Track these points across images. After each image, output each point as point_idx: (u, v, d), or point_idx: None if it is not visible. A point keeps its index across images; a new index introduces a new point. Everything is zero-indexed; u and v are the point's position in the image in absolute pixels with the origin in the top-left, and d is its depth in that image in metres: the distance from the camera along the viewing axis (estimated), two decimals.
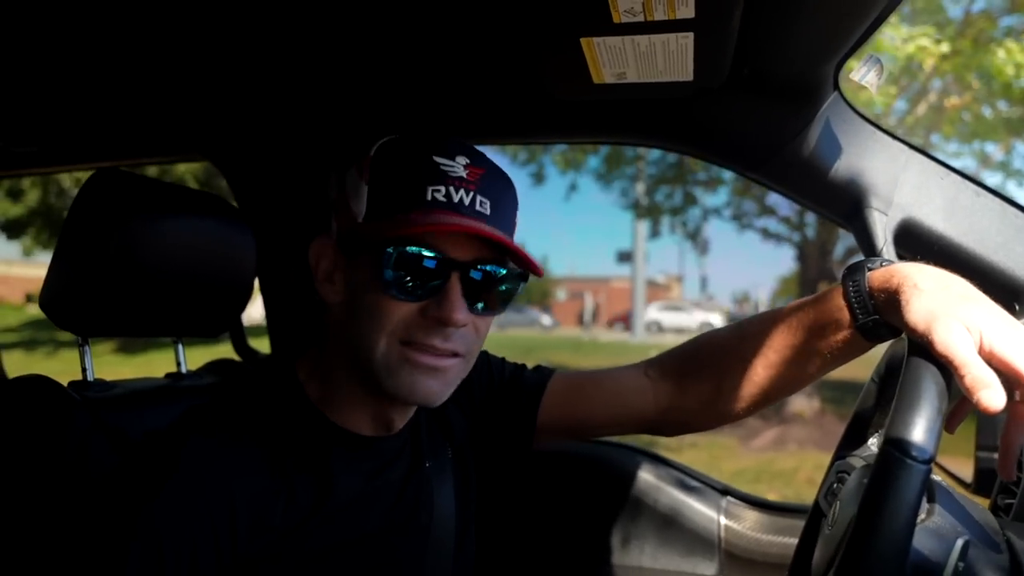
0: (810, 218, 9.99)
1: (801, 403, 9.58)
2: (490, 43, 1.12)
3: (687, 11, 0.84)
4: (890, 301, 0.87)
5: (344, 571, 0.93)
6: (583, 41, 0.93)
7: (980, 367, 0.73)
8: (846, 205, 1.17)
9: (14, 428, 1.01)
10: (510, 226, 0.95)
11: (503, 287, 0.94)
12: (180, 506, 0.81)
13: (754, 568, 1.55)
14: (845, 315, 0.94)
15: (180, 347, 1.32)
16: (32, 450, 0.99)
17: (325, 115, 1.47)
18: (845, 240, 9.72)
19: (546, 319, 36.71)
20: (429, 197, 0.87)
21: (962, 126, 7.15)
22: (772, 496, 1.67)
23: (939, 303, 0.80)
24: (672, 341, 1.22)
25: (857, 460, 1.02)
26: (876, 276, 0.92)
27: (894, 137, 1.16)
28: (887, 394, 1.07)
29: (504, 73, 1.23)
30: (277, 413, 0.93)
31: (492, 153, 0.98)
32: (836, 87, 1.12)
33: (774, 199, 10.00)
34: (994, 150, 7.87)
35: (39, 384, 1.04)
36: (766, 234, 10.74)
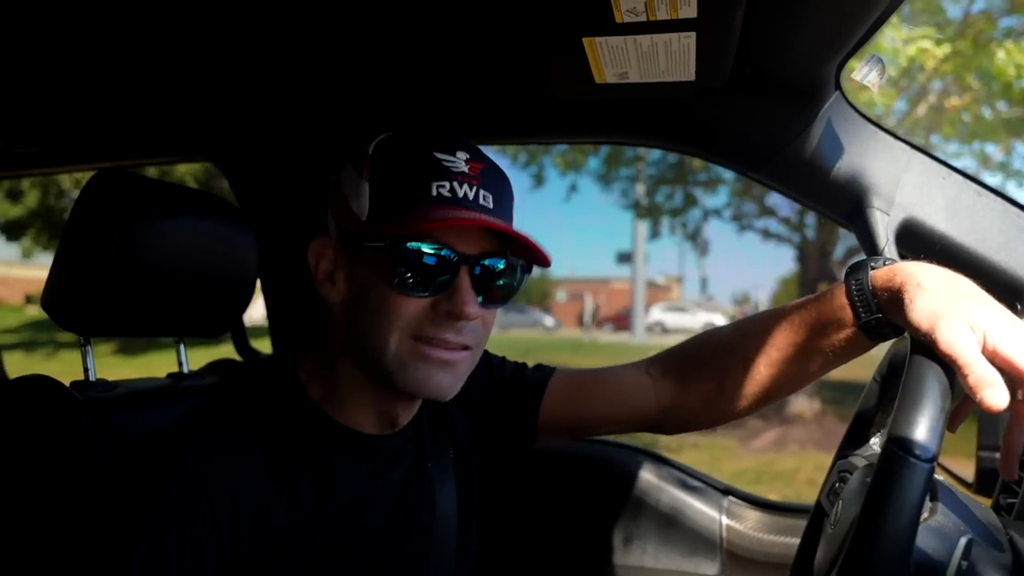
0: (810, 219, 10.00)
1: (802, 404, 9.58)
2: (492, 43, 1.12)
3: (689, 11, 0.84)
4: (893, 300, 0.87)
5: (346, 571, 0.93)
6: (585, 41, 0.93)
7: (983, 366, 0.73)
8: (848, 205, 1.17)
9: (17, 428, 1.01)
10: (510, 219, 0.96)
11: (508, 279, 0.95)
12: (182, 505, 0.81)
13: (756, 568, 1.55)
14: (847, 314, 0.94)
15: (182, 347, 1.32)
16: (35, 450, 0.99)
17: (327, 115, 1.47)
18: (845, 241, 9.73)
19: (549, 320, 36.61)
20: (434, 193, 0.87)
21: (962, 127, 7.15)
22: (773, 497, 1.67)
23: (942, 302, 0.80)
24: (675, 342, 1.22)
25: (859, 459, 1.02)
26: (879, 275, 0.92)
27: (896, 137, 1.16)
28: (889, 393, 1.07)
29: (506, 73, 1.23)
30: (278, 413, 0.93)
31: (492, 154, 0.99)
32: (838, 87, 1.12)
33: (774, 200, 10.02)
34: (994, 151, 7.88)
35: (42, 384, 1.04)
36: (766, 235, 10.75)
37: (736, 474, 6.49)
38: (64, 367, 1.08)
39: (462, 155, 0.91)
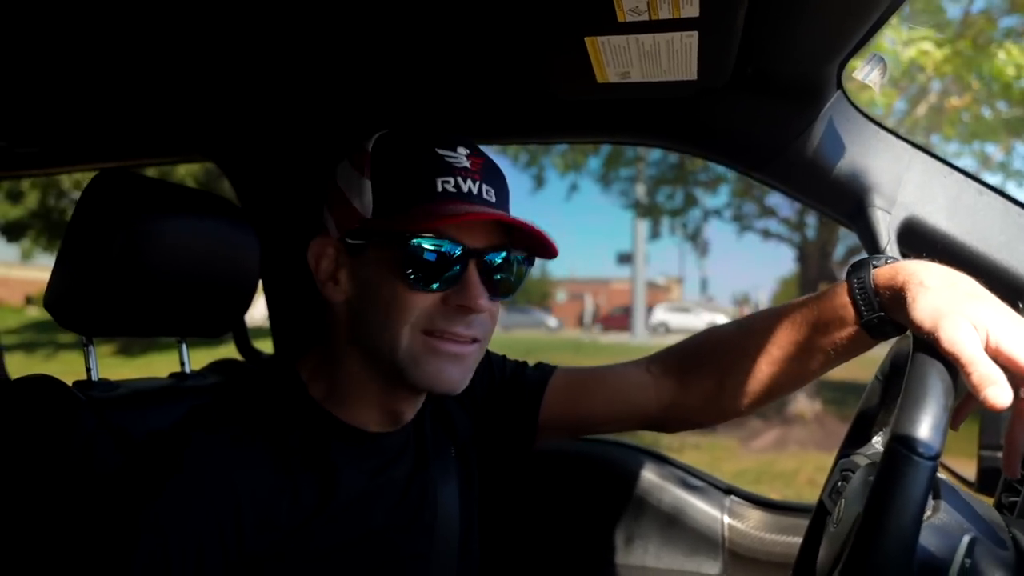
0: (810, 219, 9.99)
1: (802, 404, 9.58)
2: (494, 43, 1.13)
3: (691, 10, 0.84)
4: (895, 298, 0.88)
5: (349, 570, 0.93)
6: (587, 40, 0.93)
7: (987, 364, 0.73)
8: (850, 204, 1.17)
9: (20, 428, 1.01)
10: (508, 212, 0.97)
11: (513, 272, 0.96)
12: (184, 504, 0.81)
13: (758, 567, 1.55)
14: (850, 312, 0.94)
15: (184, 347, 1.32)
16: (38, 450, 0.99)
17: (328, 115, 1.47)
18: (846, 241, 9.73)
19: (552, 321, 36.55)
20: (440, 188, 0.88)
21: (962, 127, 7.15)
22: (773, 497, 1.67)
23: (945, 300, 0.80)
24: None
25: (861, 458, 1.02)
26: (881, 273, 0.92)
27: (897, 136, 1.16)
28: (891, 392, 1.07)
29: (508, 73, 1.23)
30: (280, 411, 0.93)
31: (492, 154, 0.99)
32: (839, 86, 1.12)
33: (774, 200, 10.02)
34: (994, 151, 7.88)
35: (44, 384, 1.04)
36: (766, 235, 10.75)
37: (736, 474, 6.49)
38: (64, 368, 1.08)
39: (463, 150, 0.92)
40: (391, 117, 1.43)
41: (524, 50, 1.10)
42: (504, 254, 0.93)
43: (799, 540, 1.15)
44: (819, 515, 1.09)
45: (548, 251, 0.95)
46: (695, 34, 0.90)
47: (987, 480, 1.03)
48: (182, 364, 1.33)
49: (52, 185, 14.36)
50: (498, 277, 0.94)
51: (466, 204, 0.89)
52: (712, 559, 1.58)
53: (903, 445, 0.68)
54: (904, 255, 1.11)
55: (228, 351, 1.79)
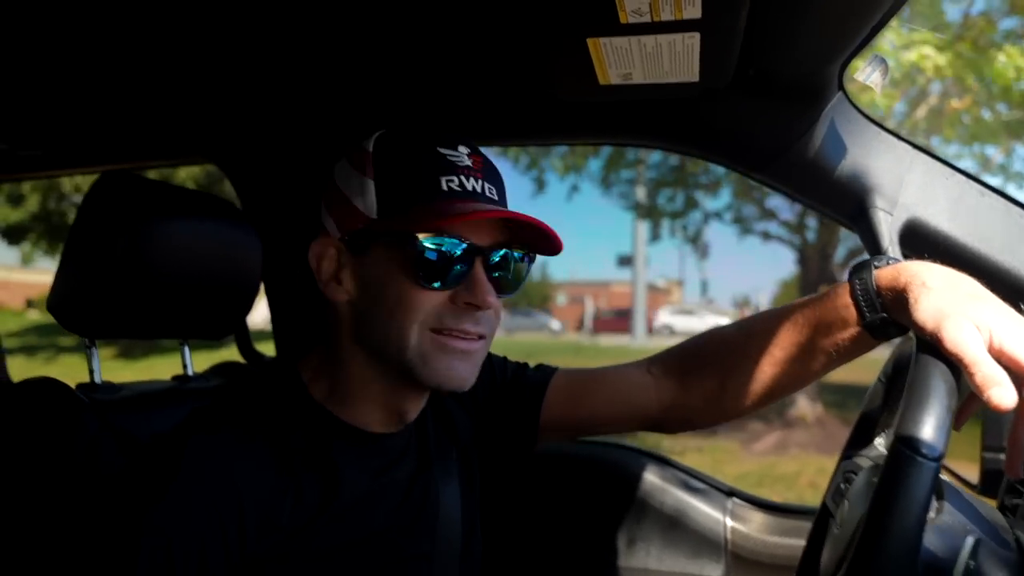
0: (811, 221, 9.99)
1: (803, 407, 9.58)
2: (496, 44, 1.13)
3: (694, 11, 0.84)
4: (898, 299, 0.88)
5: (351, 570, 0.92)
6: (590, 42, 0.93)
7: (990, 365, 0.73)
8: (851, 205, 1.17)
9: (24, 430, 1.01)
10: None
11: (517, 268, 0.97)
12: (187, 506, 0.81)
13: (761, 570, 1.55)
14: (852, 313, 0.94)
15: (186, 349, 1.32)
16: (41, 452, 0.99)
17: (330, 117, 1.47)
18: (846, 243, 9.73)
19: (555, 324, 36.48)
20: (445, 187, 0.89)
21: (962, 129, 7.15)
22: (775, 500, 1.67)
23: (948, 301, 0.80)
24: None
25: (864, 460, 1.02)
26: (883, 274, 0.92)
27: (899, 137, 1.16)
28: (894, 394, 1.07)
29: (509, 74, 1.23)
30: (281, 412, 0.93)
31: (493, 157, 1.00)
32: (841, 87, 1.13)
33: (775, 202, 10.02)
34: (994, 153, 7.88)
35: (48, 386, 1.04)
36: (767, 237, 10.75)
37: (738, 477, 6.49)
38: (65, 371, 1.09)
39: (464, 149, 0.93)
40: (393, 119, 1.43)
41: (526, 51, 1.10)
42: (508, 251, 0.94)
43: (802, 542, 1.14)
44: (822, 517, 1.09)
45: (552, 246, 0.96)
46: (697, 35, 0.90)
47: (990, 482, 1.03)
48: (184, 367, 1.33)
49: (53, 188, 14.36)
50: (502, 274, 0.94)
51: (471, 202, 0.89)
52: (715, 561, 1.58)
53: (907, 446, 0.69)
54: (906, 256, 1.11)
55: (229, 354, 1.79)
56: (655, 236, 13.08)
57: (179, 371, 1.35)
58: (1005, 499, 1.03)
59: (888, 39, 5.77)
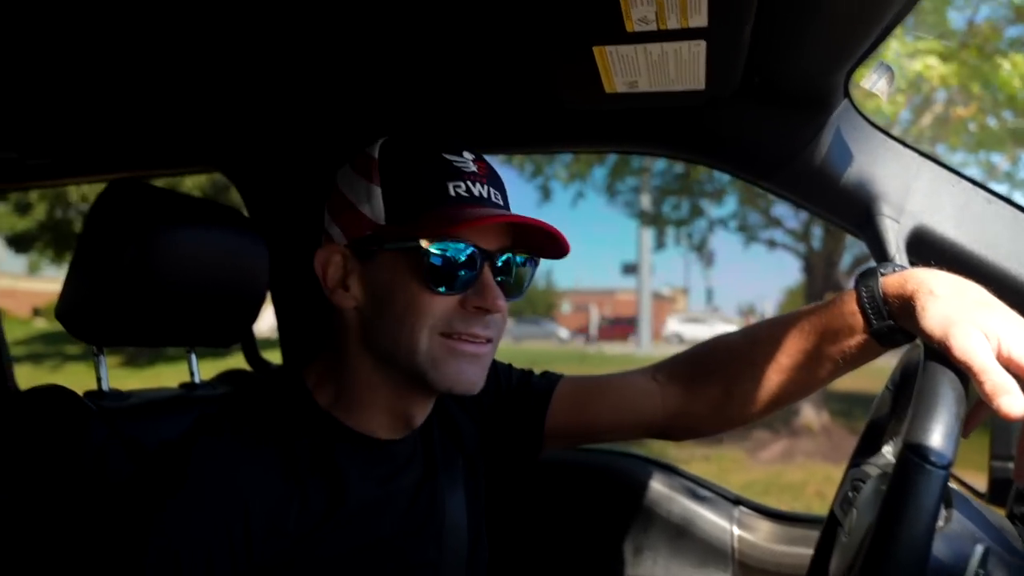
0: (816, 230, 9.97)
1: (809, 415, 9.54)
2: (502, 52, 1.13)
3: (700, 20, 0.84)
4: (905, 307, 0.87)
5: None
6: (596, 50, 0.94)
7: (999, 373, 0.73)
8: (858, 213, 1.17)
9: (32, 438, 1.01)
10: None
11: (522, 272, 0.98)
12: (193, 511, 0.81)
13: None
14: (859, 320, 0.94)
15: (193, 357, 1.33)
16: (50, 460, 1.00)
17: (336, 125, 1.48)
18: (851, 251, 9.70)
19: (563, 332, 36.37)
20: (452, 193, 0.90)
21: (968, 136, 7.14)
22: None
23: (955, 309, 0.80)
24: None
25: (872, 468, 1.02)
26: (890, 281, 0.92)
27: (905, 145, 1.16)
28: (902, 402, 1.07)
29: (515, 82, 1.23)
30: (287, 419, 0.93)
31: (498, 165, 1.00)
32: (847, 95, 1.13)
33: (780, 210, 10.01)
34: (1000, 160, 7.86)
35: (56, 394, 1.05)
36: (772, 245, 10.73)
37: (744, 486, 6.46)
38: (70, 379, 1.09)
39: (468, 155, 0.94)
40: (399, 126, 1.44)
41: (531, 59, 1.11)
42: (513, 255, 0.95)
43: (809, 551, 1.14)
44: (830, 526, 1.08)
45: (559, 249, 0.96)
46: (703, 44, 0.90)
47: (998, 491, 1.02)
48: (192, 374, 1.33)
49: (60, 197, 14.43)
50: (507, 278, 0.95)
51: (479, 208, 0.90)
52: (721, 570, 1.57)
53: (915, 454, 0.68)
54: (913, 264, 1.11)
55: (235, 363, 1.79)
56: (660, 244, 13.07)
57: (184, 379, 1.35)
58: (1014, 508, 1.02)
59: (892, 48, 5.77)
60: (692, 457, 7.46)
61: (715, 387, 1.11)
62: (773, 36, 0.95)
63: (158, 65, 1.24)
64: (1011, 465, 0.85)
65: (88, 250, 1.09)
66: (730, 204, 10.67)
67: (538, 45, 1.00)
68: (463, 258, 0.89)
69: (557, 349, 28.11)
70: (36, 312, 30.16)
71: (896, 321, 0.91)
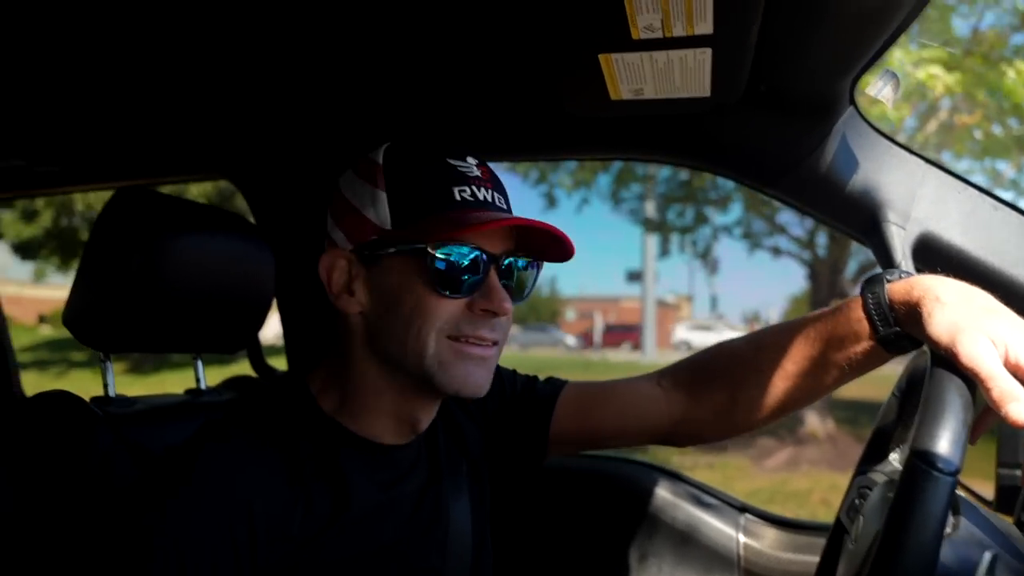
0: (821, 237, 9.96)
1: (814, 423, 9.51)
2: (507, 59, 1.14)
3: (705, 27, 0.85)
4: (911, 313, 0.87)
5: None
6: (601, 57, 0.94)
7: (1007, 380, 0.73)
8: (863, 220, 1.17)
9: (39, 443, 1.01)
10: None
11: (527, 275, 0.99)
12: (197, 517, 0.81)
13: None
14: (865, 327, 0.94)
15: (199, 364, 1.33)
16: (56, 465, 1.00)
17: (341, 132, 1.48)
18: (857, 258, 9.69)
19: (570, 339, 36.27)
20: (458, 197, 0.90)
21: (973, 144, 7.13)
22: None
23: (962, 316, 0.79)
24: None
25: (879, 475, 1.01)
26: (896, 288, 0.91)
27: (911, 151, 1.16)
28: (908, 408, 1.07)
29: (520, 89, 1.24)
30: (291, 424, 0.93)
31: (502, 172, 1.01)
32: (852, 102, 1.13)
33: (785, 218, 10.00)
34: (1006, 168, 7.85)
35: (62, 400, 1.05)
36: (777, 253, 10.71)
37: (749, 494, 6.43)
38: (76, 386, 1.09)
39: (471, 160, 0.95)
40: (404, 133, 1.44)
41: (537, 67, 1.11)
42: (518, 259, 0.96)
43: (815, 559, 1.13)
44: (836, 533, 1.08)
45: (564, 252, 0.97)
46: (709, 51, 0.90)
47: (1006, 499, 1.01)
48: (197, 380, 1.33)
49: (66, 205, 14.50)
50: (507, 282, 0.96)
51: (485, 212, 0.91)
52: None
53: (923, 460, 0.68)
54: (919, 270, 1.11)
55: (240, 370, 1.80)
56: (664, 251, 13.09)
57: (190, 386, 1.35)
58: (1022, 515, 1.02)
59: (896, 56, 5.77)
60: (696, 465, 7.44)
61: (720, 393, 1.11)
62: (778, 43, 0.95)
63: (165, 73, 1.25)
64: (1019, 473, 0.85)
65: (95, 257, 1.10)
66: (735, 211, 10.69)
67: (544, 53, 1.00)
68: (469, 262, 0.89)
69: (564, 356, 28.05)
70: (42, 319, 30.25)
71: (902, 328, 0.91)
